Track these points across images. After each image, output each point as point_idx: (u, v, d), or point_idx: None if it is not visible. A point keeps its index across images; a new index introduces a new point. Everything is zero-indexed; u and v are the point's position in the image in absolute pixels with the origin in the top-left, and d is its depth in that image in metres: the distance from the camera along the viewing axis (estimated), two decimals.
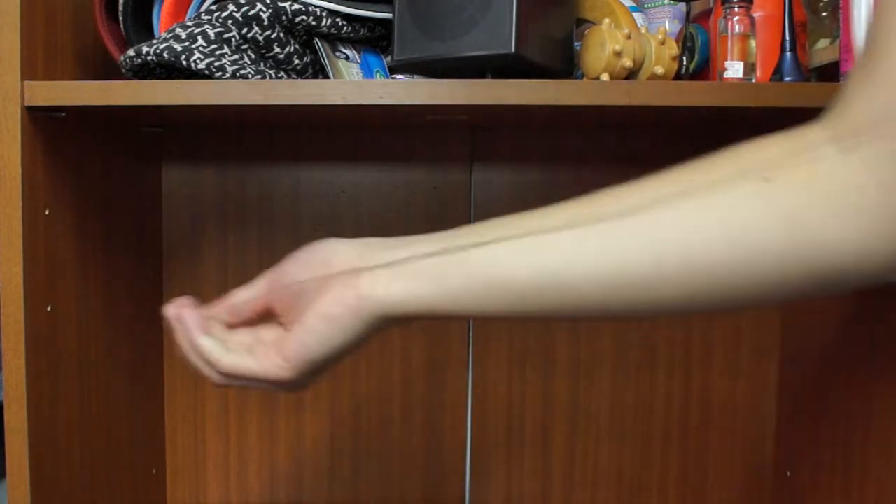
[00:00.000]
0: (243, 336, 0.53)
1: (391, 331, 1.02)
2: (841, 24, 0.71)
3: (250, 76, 0.70)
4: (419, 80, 0.66)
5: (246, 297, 0.53)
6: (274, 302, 0.52)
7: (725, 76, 0.74)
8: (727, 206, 0.42)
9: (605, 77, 0.72)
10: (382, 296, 0.47)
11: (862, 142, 0.40)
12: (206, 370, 0.52)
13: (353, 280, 0.47)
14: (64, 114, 0.71)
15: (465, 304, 0.46)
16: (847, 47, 0.70)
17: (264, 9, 0.72)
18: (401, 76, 0.79)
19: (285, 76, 0.76)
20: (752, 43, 0.74)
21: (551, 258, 0.44)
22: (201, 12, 0.73)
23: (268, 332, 0.53)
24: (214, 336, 0.51)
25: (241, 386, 0.51)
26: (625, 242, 0.43)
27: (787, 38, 0.73)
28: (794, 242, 0.41)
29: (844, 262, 0.41)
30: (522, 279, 0.44)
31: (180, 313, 0.52)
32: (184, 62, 0.69)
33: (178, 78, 0.69)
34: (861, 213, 0.40)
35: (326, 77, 0.76)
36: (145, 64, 0.71)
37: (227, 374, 0.51)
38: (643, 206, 0.43)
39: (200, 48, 0.69)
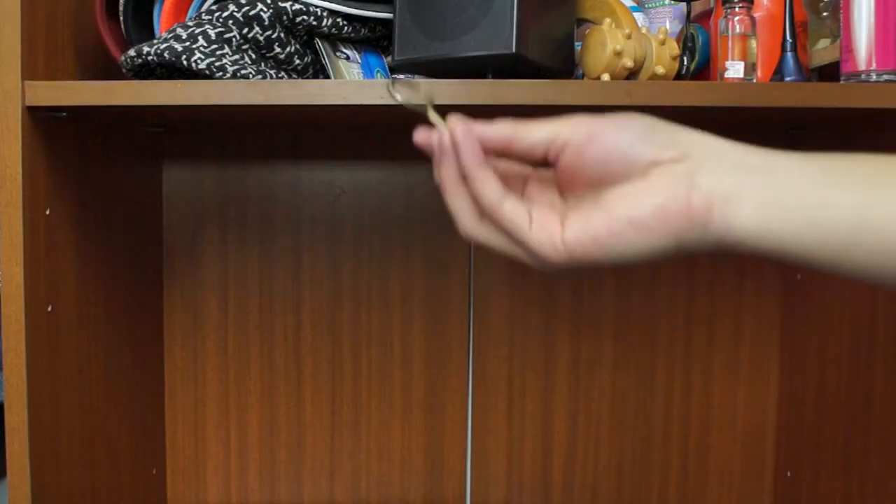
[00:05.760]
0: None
1: (391, 331, 1.03)
2: (841, 25, 0.71)
3: (251, 76, 0.70)
4: (420, 80, 0.66)
5: (539, 136, 0.42)
6: (567, 158, 0.42)
7: (726, 76, 0.74)
8: None
9: (605, 77, 0.72)
10: (738, 225, 0.39)
11: None
12: (464, 215, 0.43)
13: (701, 191, 0.39)
14: (65, 114, 0.71)
15: (801, 249, 0.39)
16: (847, 47, 0.70)
17: (265, 9, 0.72)
18: (401, 76, 0.79)
19: (286, 76, 0.76)
20: (753, 43, 0.74)
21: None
22: (202, 12, 0.73)
23: (538, 191, 0.44)
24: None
25: (492, 245, 0.43)
26: None
27: (788, 38, 0.73)
28: None
29: None
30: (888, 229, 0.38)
31: (459, 136, 0.43)
32: (184, 62, 0.69)
33: (179, 78, 0.69)
34: None
35: (327, 77, 0.76)
36: (146, 64, 0.71)
37: (494, 221, 0.41)
38: None
39: (201, 48, 0.69)
